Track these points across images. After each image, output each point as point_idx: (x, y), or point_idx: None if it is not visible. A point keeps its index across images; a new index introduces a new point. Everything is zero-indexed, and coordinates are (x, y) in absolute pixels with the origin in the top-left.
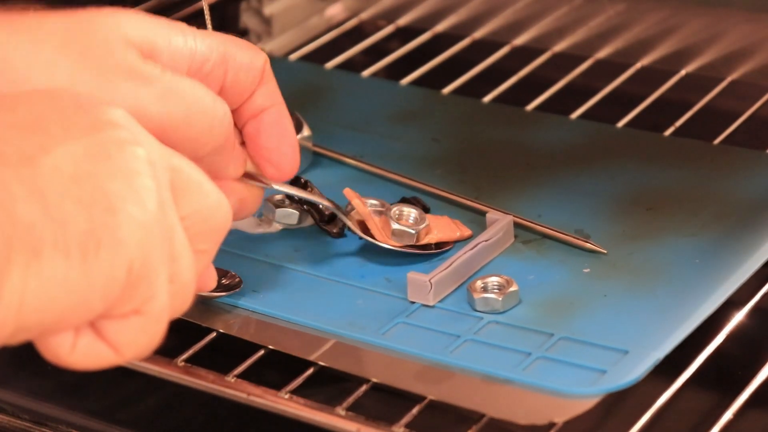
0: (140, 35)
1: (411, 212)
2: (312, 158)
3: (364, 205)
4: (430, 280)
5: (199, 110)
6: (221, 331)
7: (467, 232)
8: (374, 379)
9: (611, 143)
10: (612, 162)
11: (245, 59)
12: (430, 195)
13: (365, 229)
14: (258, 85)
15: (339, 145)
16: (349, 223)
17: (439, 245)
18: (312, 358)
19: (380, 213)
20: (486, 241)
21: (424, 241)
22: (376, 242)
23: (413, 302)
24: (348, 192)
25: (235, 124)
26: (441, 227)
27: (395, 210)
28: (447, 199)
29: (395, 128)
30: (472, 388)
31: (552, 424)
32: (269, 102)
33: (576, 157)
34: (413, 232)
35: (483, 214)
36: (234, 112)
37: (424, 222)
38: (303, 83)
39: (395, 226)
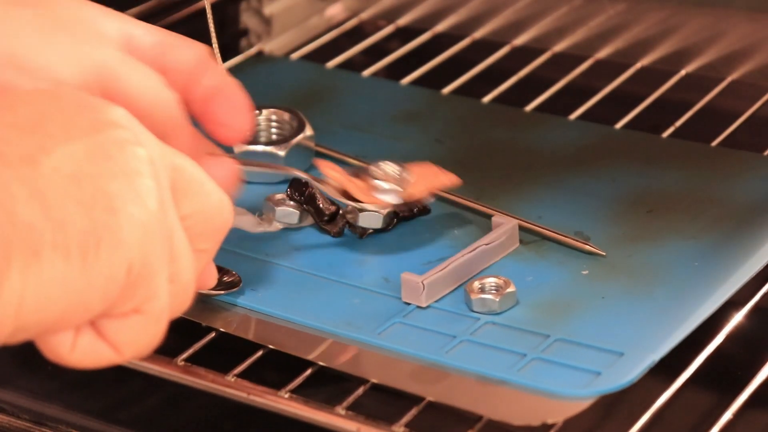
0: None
1: (391, 166)
2: (314, 158)
3: (338, 172)
4: (422, 282)
5: (151, 80)
6: (220, 329)
7: (453, 177)
8: (370, 379)
9: (613, 145)
10: (613, 164)
11: (183, 42)
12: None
13: (348, 196)
14: (204, 70)
15: (341, 145)
16: (329, 191)
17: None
18: (309, 357)
19: (357, 175)
20: (487, 244)
21: (410, 192)
22: (363, 204)
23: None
24: (320, 162)
25: (189, 113)
26: (424, 176)
27: (373, 168)
28: (448, 200)
29: (398, 129)
30: (467, 388)
31: (551, 425)
32: (217, 82)
33: (577, 159)
34: (399, 188)
35: (484, 215)
36: (186, 102)
37: (407, 173)
38: (306, 83)
39: (377, 183)
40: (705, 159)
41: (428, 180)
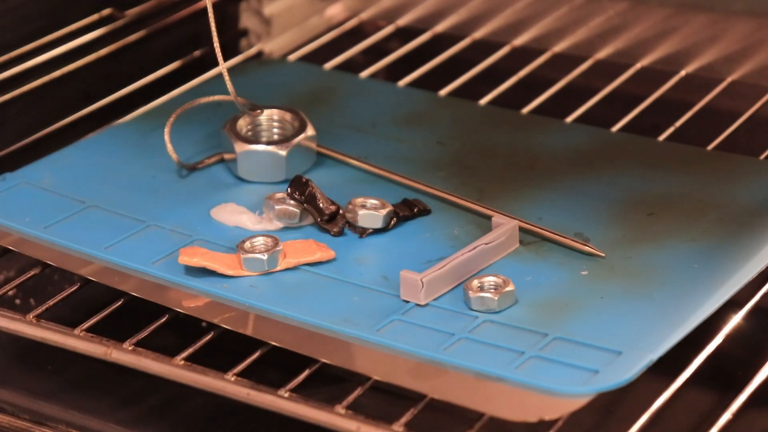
0: None
1: (261, 240)
2: (315, 158)
3: (198, 255)
4: (421, 279)
5: None
6: (217, 324)
7: (330, 252)
8: (368, 375)
9: (614, 149)
10: (614, 167)
11: None
12: (432, 197)
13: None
14: None
15: (343, 146)
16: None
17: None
18: (307, 353)
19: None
20: (486, 244)
21: (281, 266)
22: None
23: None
24: (184, 259)
25: None
26: (298, 251)
27: (247, 243)
28: (449, 201)
29: (400, 130)
30: (465, 385)
31: (551, 424)
32: None
33: (579, 161)
34: (264, 257)
35: (485, 216)
36: None
37: (278, 247)
38: (306, 84)
39: (245, 256)
40: (705, 162)
41: (300, 254)
